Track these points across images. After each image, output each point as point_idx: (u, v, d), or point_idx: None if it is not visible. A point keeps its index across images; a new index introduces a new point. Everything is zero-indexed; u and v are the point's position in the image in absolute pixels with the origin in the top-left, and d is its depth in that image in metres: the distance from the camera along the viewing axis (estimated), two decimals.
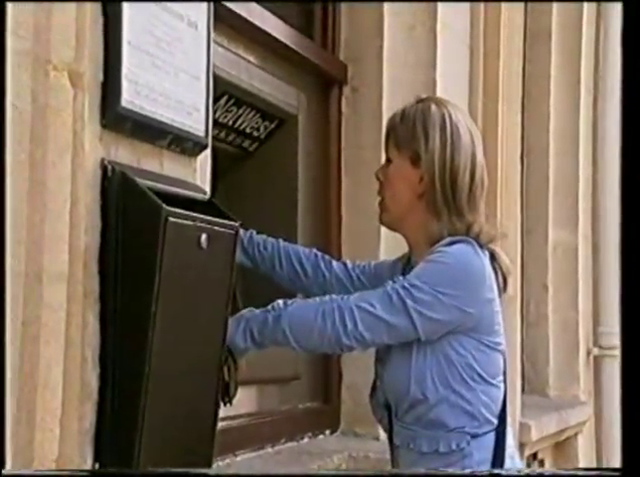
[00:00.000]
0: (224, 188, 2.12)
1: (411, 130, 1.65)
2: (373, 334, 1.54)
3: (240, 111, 2.13)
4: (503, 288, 1.66)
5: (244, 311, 1.60)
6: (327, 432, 2.46)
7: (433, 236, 1.63)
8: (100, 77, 1.26)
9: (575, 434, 3.98)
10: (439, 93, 2.47)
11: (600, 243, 4.56)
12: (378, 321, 1.54)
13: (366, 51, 2.49)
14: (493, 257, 1.64)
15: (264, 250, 1.83)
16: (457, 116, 1.68)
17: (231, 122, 2.11)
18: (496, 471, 1.53)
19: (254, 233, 1.85)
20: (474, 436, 1.57)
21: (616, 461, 4.63)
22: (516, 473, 1.48)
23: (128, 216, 1.29)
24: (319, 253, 1.86)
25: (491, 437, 1.58)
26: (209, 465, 1.51)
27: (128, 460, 1.31)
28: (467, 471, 1.54)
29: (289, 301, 1.60)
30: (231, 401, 1.58)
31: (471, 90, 2.74)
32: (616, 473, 1.17)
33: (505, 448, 1.59)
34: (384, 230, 2.44)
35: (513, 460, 1.63)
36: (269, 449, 2.18)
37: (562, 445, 3.91)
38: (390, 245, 2.45)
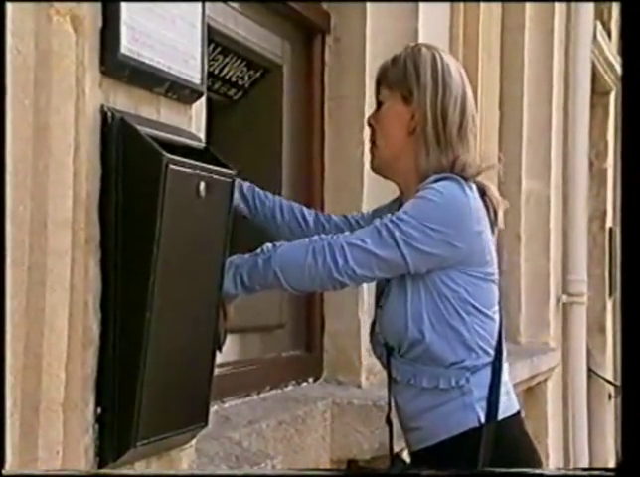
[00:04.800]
0: (207, 136, 2.12)
1: (403, 70, 1.67)
2: (363, 269, 1.56)
3: (226, 60, 2.11)
4: (494, 221, 1.68)
5: (233, 258, 1.61)
6: (310, 380, 2.49)
7: (422, 174, 1.65)
8: (100, 22, 1.24)
9: (545, 379, 4.10)
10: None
11: (570, 193, 4.65)
12: (368, 255, 1.56)
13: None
14: (483, 192, 1.66)
15: (265, 199, 1.85)
16: (448, 58, 1.70)
17: (216, 71, 2.10)
18: (495, 471, 1.56)
19: (256, 187, 1.88)
20: (473, 372, 1.61)
21: (582, 404, 4.78)
22: (514, 472, 1.53)
23: (128, 163, 1.29)
24: (318, 211, 1.92)
25: (489, 372, 1.62)
26: (206, 410, 1.54)
27: (130, 405, 1.33)
28: (468, 471, 1.56)
29: (278, 243, 1.62)
30: (220, 348, 1.61)
31: (452, 40, 2.75)
32: (611, 473, 1.18)
33: (500, 384, 1.62)
34: (366, 177, 2.49)
35: (509, 396, 1.67)
36: (255, 396, 2.21)
37: (533, 390, 4.02)
38: (372, 193, 2.48)
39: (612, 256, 6.18)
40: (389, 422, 1.73)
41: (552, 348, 4.22)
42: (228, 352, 2.09)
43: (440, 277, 1.59)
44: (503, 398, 1.63)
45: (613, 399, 6.11)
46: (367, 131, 1.76)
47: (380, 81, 1.72)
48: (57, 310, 1.19)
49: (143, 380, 1.33)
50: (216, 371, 1.57)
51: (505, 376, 1.66)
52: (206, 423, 1.54)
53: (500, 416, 1.62)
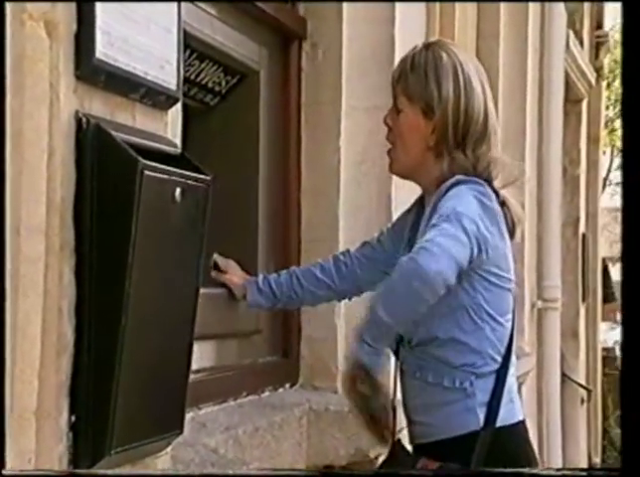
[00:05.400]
0: (183, 142, 2.11)
1: (423, 81, 1.65)
2: (451, 271, 1.50)
3: (203, 66, 2.11)
4: (512, 234, 1.68)
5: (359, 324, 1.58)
6: (287, 386, 2.49)
7: (444, 177, 1.65)
8: (74, 27, 1.24)
9: (520, 384, 4.12)
10: (397, 49, 2.48)
11: (544, 200, 4.69)
12: (450, 258, 1.51)
13: (325, 6, 2.48)
14: (503, 203, 1.66)
15: (279, 278, 1.88)
16: (468, 65, 1.68)
17: (193, 76, 2.09)
18: (496, 471, 1.57)
19: (266, 274, 1.93)
20: (479, 376, 1.61)
21: (555, 408, 4.82)
22: (510, 472, 1.54)
23: (103, 169, 1.28)
24: (337, 253, 1.92)
25: (494, 378, 1.63)
26: (182, 417, 1.53)
27: (104, 413, 1.33)
28: (468, 470, 1.58)
29: (375, 293, 1.60)
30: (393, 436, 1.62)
31: None
32: (616, 473, 1.19)
33: (503, 390, 1.63)
34: (342, 184, 2.50)
35: (513, 404, 1.67)
36: (232, 402, 2.21)
37: None
38: (348, 199, 2.49)
39: (585, 262, 6.25)
40: (392, 408, 1.72)
41: (527, 353, 4.24)
42: (204, 358, 2.09)
43: (461, 283, 1.58)
44: (508, 406, 1.64)
45: (585, 404, 6.17)
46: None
47: (397, 85, 1.69)
48: (30, 316, 1.18)
49: (118, 387, 1.32)
50: (192, 377, 1.57)
51: (511, 384, 1.67)
52: (181, 430, 1.53)
53: (502, 423, 1.62)
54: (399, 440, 1.76)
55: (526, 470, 1.58)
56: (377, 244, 1.87)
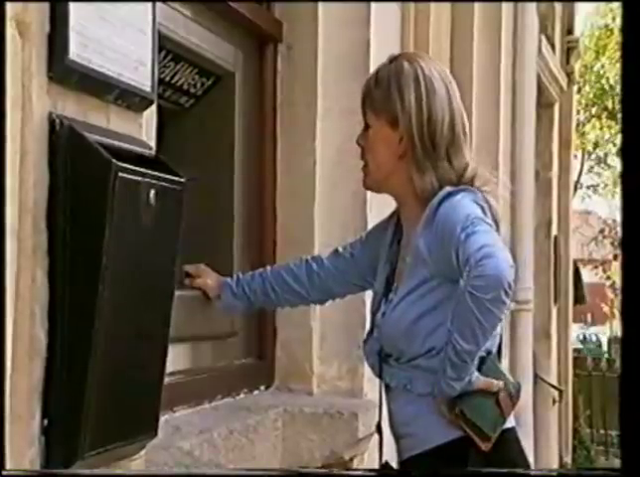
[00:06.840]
0: (158, 144, 2.10)
1: (386, 93, 1.67)
2: (506, 287, 1.52)
3: (178, 67, 2.10)
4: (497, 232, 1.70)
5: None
6: (262, 388, 2.49)
7: (421, 190, 1.66)
8: (47, 28, 1.23)
9: None
10: (372, 52, 2.49)
11: (517, 203, 4.73)
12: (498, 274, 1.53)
13: (301, 8, 2.48)
14: (487, 203, 1.68)
15: (252, 282, 1.89)
16: (430, 71, 1.68)
17: (168, 78, 2.08)
18: (497, 471, 1.58)
19: (241, 274, 1.93)
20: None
21: (527, 408, 4.86)
22: (516, 472, 1.55)
23: (77, 170, 1.27)
24: (308, 257, 1.92)
25: None
26: (156, 420, 1.53)
27: (77, 416, 1.32)
28: (470, 470, 1.59)
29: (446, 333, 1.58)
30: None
31: (402, 49, 2.77)
32: (616, 473, 1.20)
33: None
34: (318, 187, 2.50)
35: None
36: (207, 405, 2.20)
37: None
38: (324, 202, 2.49)
39: (557, 264, 6.32)
40: (379, 430, 1.74)
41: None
42: (179, 360, 2.08)
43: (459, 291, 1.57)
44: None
45: (557, 403, 6.24)
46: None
47: (365, 102, 1.72)
48: (1, 319, 1.16)
49: (91, 390, 1.31)
50: (167, 379, 1.56)
51: None
52: (156, 433, 1.52)
53: None
54: (386, 462, 1.77)
55: (530, 470, 1.59)
56: (349, 257, 1.87)
